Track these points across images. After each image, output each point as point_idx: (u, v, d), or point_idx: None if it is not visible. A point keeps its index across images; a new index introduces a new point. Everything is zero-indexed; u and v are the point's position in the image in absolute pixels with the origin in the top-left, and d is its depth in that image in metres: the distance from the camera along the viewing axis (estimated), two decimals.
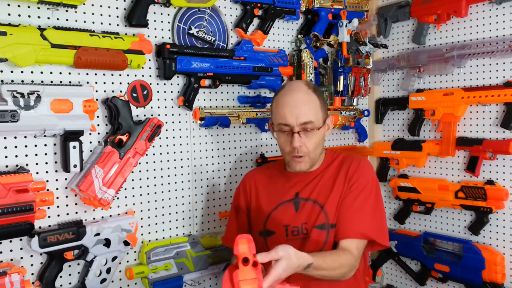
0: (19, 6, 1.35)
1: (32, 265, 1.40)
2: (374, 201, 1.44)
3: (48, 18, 1.41)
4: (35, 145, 1.39)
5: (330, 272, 1.28)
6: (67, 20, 1.44)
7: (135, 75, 1.60)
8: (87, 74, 1.49)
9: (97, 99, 1.49)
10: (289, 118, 1.37)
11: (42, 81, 1.40)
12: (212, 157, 1.82)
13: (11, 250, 1.36)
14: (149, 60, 1.62)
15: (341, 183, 1.44)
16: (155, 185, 1.66)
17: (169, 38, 1.68)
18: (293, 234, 1.43)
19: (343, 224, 1.39)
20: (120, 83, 1.56)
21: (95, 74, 1.50)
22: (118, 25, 1.55)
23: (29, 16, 1.37)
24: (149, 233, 1.65)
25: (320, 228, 1.41)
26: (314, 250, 1.36)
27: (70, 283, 1.48)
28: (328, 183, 1.46)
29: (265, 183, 1.55)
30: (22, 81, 1.36)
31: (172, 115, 1.70)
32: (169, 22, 1.68)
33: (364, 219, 1.40)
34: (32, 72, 1.38)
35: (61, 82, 1.44)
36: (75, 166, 1.39)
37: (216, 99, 1.82)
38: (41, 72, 1.39)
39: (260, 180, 1.57)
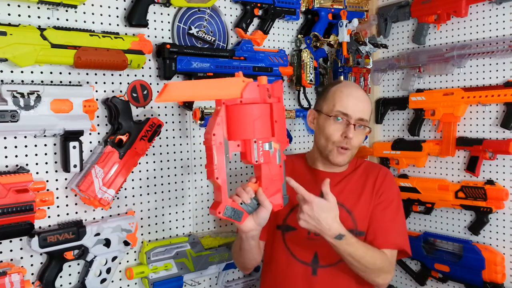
0: (19, 6, 1.35)
1: (32, 265, 1.40)
2: (402, 212, 1.49)
3: (48, 18, 1.41)
4: (35, 145, 1.39)
5: (362, 259, 1.29)
6: (67, 20, 1.44)
7: (135, 75, 1.60)
8: (87, 74, 1.49)
9: (97, 99, 1.49)
10: (351, 108, 1.42)
11: (42, 81, 1.40)
12: None
13: (11, 250, 1.36)
14: (149, 60, 1.62)
15: (369, 193, 1.46)
16: (155, 185, 1.66)
17: (169, 38, 1.68)
18: (315, 233, 1.37)
19: (378, 235, 1.41)
20: (120, 83, 1.56)
21: (95, 74, 1.50)
22: (118, 25, 1.55)
23: (29, 16, 1.37)
24: (149, 233, 1.65)
25: None
26: (338, 255, 1.34)
27: (70, 283, 1.48)
28: (356, 189, 1.47)
29: (288, 175, 1.52)
30: (22, 81, 1.36)
31: (172, 115, 1.70)
32: (169, 22, 1.68)
33: (398, 230, 1.44)
34: (32, 72, 1.38)
35: (61, 82, 1.43)
36: (75, 166, 1.39)
37: None
38: (41, 72, 1.39)
39: None
